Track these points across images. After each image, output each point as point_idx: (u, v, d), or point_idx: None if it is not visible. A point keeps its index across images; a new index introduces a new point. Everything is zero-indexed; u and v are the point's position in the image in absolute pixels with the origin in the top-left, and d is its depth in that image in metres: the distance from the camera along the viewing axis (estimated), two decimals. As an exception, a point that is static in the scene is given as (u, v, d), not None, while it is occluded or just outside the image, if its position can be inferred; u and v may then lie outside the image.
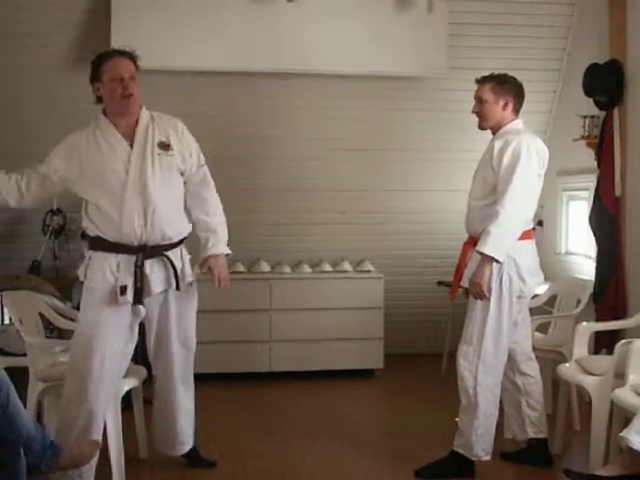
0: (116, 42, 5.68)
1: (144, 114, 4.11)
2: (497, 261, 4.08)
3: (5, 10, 5.80)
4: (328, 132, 6.62)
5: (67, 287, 6.24)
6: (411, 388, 6.28)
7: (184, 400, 4.34)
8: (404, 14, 6.18)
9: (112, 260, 4.00)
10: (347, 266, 6.76)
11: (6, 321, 5.47)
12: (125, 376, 4.23)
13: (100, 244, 4.01)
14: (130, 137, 4.04)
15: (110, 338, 3.98)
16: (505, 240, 4.07)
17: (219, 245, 4.18)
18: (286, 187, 6.75)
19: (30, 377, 4.30)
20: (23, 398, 3.74)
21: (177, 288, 4.09)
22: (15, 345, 5.03)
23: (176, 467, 4.43)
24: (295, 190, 6.74)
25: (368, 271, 6.73)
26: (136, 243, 3.99)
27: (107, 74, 3.99)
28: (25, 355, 4.92)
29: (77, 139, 4.07)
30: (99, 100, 4.09)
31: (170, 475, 4.37)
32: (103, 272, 3.99)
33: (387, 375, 6.59)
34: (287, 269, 6.67)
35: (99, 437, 4.00)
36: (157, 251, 4.05)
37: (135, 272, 3.98)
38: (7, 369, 3.77)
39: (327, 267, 6.74)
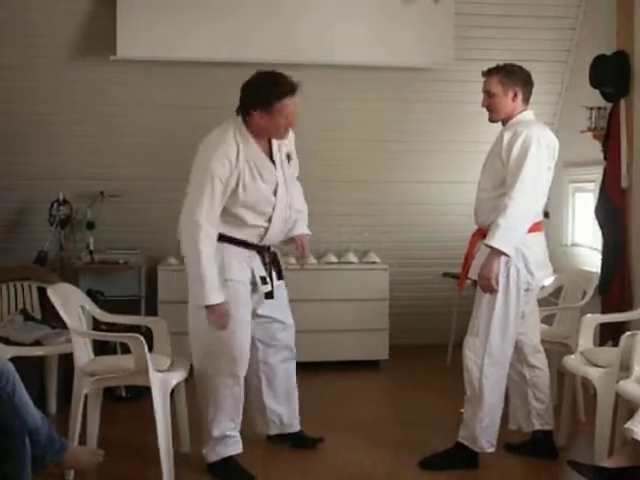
0: (122, 31, 5.73)
1: None
2: (506, 254, 4.06)
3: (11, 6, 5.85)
4: (330, 123, 6.57)
5: (73, 278, 6.26)
6: (416, 379, 6.29)
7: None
8: (410, 5, 6.16)
9: (245, 254, 4.16)
10: (352, 257, 6.75)
11: (12, 310, 5.48)
12: (173, 369, 4.25)
13: (228, 240, 4.12)
14: (268, 153, 4.15)
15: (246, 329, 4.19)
16: (514, 233, 4.05)
17: (305, 225, 4.51)
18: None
19: (75, 372, 4.21)
20: (29, 389, 3.73)
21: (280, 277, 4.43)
22: (20, 335, 5.03)
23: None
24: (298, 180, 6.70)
25: (373, 262, 6.72)
26: (264, 244, 4.24)
27: (280, 111, 4.00)
28: (29, 345, 4.95)
29: (230, 152, 4.00)
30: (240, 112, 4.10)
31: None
32: (239, 264, 4.14)
33: (392, 366, 6.59)
34: (292, 260, 6.64)
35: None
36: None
37: (264, 267, 4.24)
38: (12, 359, 3.78)
39: (332, 258, 6.73)
